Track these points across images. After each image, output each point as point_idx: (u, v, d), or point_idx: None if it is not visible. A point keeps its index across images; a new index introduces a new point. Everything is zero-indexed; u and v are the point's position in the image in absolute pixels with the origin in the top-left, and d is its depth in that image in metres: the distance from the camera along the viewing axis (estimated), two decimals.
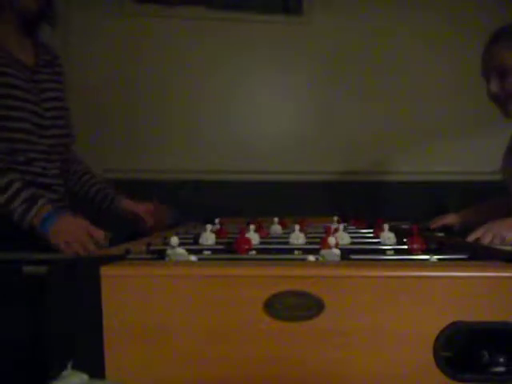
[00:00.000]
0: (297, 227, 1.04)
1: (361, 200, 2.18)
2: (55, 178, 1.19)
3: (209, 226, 1.05)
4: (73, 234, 0.94)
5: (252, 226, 1.06)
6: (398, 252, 0.93)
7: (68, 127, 1.26)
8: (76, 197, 1.31)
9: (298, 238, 1.01)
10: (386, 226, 1.06)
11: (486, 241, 1.02)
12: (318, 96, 2.22)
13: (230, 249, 0.93)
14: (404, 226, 1.32)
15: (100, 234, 0.96)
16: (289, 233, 1.18)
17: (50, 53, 1.28)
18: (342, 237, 1.01)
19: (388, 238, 1.03)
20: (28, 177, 1.08)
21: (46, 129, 1.16)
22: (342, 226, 1.12)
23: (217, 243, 1.02)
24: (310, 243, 1.01)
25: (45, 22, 1.18)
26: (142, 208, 1.34)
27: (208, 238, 1.02)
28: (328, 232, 1.08)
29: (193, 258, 0.77)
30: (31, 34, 1.21)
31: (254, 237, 1.02)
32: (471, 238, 1.04)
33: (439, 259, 0.78)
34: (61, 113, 1.21)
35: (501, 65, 1.18)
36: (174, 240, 0.79)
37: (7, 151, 1.06)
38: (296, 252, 0.95)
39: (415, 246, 0.93)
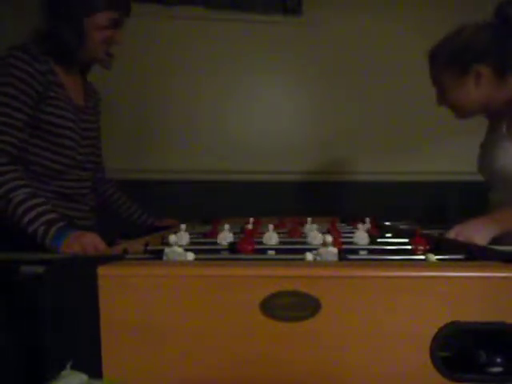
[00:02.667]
0: (271, 227, 1.04)
1: (360, 200, 2.18)
2: (88, 197, 1.36)
3: (183, 226, 1.06)
4: (81, 249, 0.98)
5: (227, 226, 1.07)
6: (401, 252, 0.93)
7: (98, 160, 1.44)
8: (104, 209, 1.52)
9: (271, 238, 1.01)
10: (360, 226, 1.10)
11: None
12: (318, 96, 2.22)
13: (234, 249, 0.93)
14: (403, 226, 1.32)
15: (104, 246, 0.99)
16: (286, 233, 1.19)
17: (95, 93, 1.45)
18: (314, 236, 1.02)
19: (362, 238, 1.04)
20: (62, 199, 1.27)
21: (80, 162, 1.30)
22: (314, 226, 1.14)
23: (192, 243, 1.02)
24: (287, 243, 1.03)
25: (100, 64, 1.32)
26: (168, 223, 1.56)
27: (182, 237, 1.02)
28: (331, 230, 1.08)
29: (189, 256, 0.77)
30: (85, 74, 1.37)
31: (229, 236, 1.04)
32: (450, 235, 1.05)
33: (437, 259, 0.79)
34: (93, 149, 1.37)
35: (439, 84, 1.28)
36: (172, 238, 0.80)
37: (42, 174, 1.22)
38: (269, 252, 0.96)
39: (419, 247, 0.93)
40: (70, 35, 1.19)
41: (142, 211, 1.58)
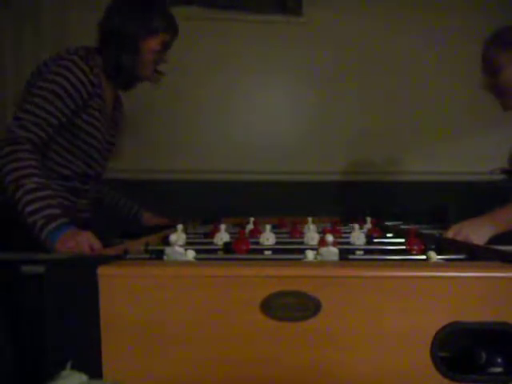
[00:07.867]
0: (268, 227, 1.04)
1: (361, 200, 2.18)
2: (89, 192, 1.40)
3: (180, 227, 1.06)
4: (76, 245, 0.98)
5: (223, 226, 1.07)
6: (396, 252, 0.93)
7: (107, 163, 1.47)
8: (101, 205, 1.56)
9: (268, 238, 1.01)
10: (356, 226, 1.09)
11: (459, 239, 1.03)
12: (318, 96, 2.21)
13: (229, 249, 0.93)
14: (404, 227, 1.32)
15: (99, 245, 0.99)
16: (286, 233, 1.18)
17: (122, 107, 1.50)
18: (312, 236, 1.02)
19: (358, 238, 1.04)
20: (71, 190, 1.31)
21: (97, 171, 1.36)
22: (312, 227, 1.14)
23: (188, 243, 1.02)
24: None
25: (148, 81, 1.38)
26: (159, 221, 1.59)
27: (179, 238, 1.02)
28: (325, 230, 1.08)
29: (190, 254, 0.77)
30: (128, 89, 1.41)
31: (225, 237, 1.04)
32: (449, 235, 1.06)
33: (438, 259, 0.78)
34: (109, 154, 1.43)
35: (492, 65, 1.25)
36: (173, 238, 0.80)
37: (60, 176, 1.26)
38: (266, 252, 0.96)
39: (414, 247, 0.93)
40: (126, 55, 1.26)
41: (132, 204, 1.61)
